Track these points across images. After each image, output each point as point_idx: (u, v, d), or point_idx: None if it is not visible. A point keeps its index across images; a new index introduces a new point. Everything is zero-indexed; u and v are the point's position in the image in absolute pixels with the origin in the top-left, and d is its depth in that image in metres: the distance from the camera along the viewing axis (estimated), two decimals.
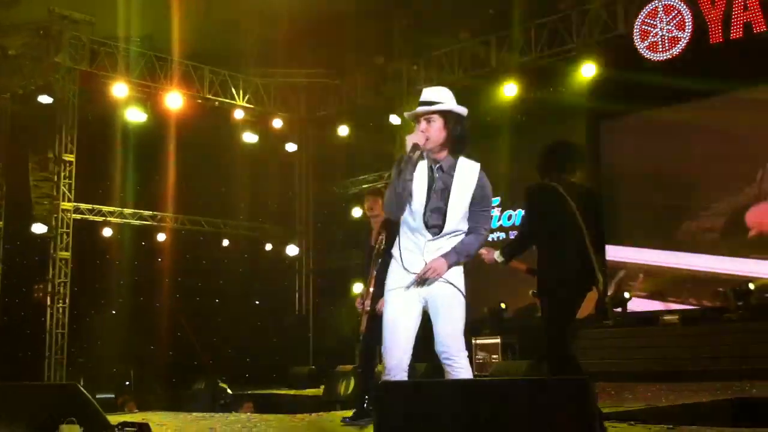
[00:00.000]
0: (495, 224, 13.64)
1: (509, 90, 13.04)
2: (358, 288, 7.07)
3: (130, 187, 14.40)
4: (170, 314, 14.03)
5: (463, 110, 4.15)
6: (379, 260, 6.45)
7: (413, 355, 4.12)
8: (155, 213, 14.78)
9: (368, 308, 6.71)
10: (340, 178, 16.30)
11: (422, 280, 4.05)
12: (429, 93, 4.16)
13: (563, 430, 2.92)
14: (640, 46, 11.37)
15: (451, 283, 4.08)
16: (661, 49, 11.21)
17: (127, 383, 13.16)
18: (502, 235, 13.72)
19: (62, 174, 13.22)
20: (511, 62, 13.04)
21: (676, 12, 11.07)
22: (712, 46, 10.79)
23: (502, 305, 12.56)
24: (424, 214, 4.08)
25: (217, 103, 14.68)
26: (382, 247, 6.43)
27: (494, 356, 11.69)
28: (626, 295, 11.81)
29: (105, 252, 14.46)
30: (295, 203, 16.96)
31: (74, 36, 13.01)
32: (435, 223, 4.08)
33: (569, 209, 5.08)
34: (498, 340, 11.85)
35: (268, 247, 16.25)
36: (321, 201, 16.93)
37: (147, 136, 13.67)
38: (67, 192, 13.28)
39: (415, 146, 4.02)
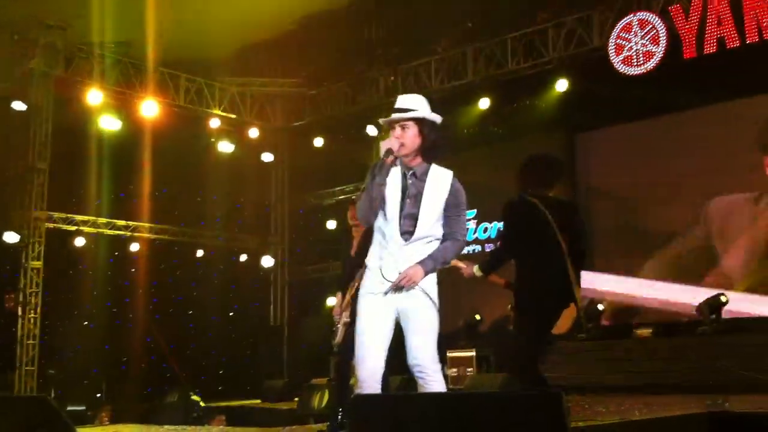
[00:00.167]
0: (470, 237, 13.65)
1: (483, 103, 13.14)
2: (333, 300, 7.02)
3: (105, 196, 14.23)
4: (143, 325, 13.90)
5: (437, 118, 4.19)
6: (359, 271, 6.41)
7: (387, 367, 4.10)
8: (129, 223, 14.63)
9: (346, 319, 6.67)
10: (317, 188, 16.27)
11: (397, 288, 4.03)
12: (404, 100, 4.22)
13: None
14: (615, 60, 11.47)
15: (426, 293, 4.07)
16: (635, 63, 11.31)
17: (99, 395, 13.02)
18: (478, 248, 13.74)
19: (35, 182, 13.07)
20: (488, 74, 13.11)
21: (650, 26, 11.18)
22: (686, 61, 10.91)
23: (477, 316, 12.56)
24: (399, 220, 4.09)
25: (193, 111, 14.60)
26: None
27: (469, 369, 11.67)
28: (600, 307, 11.86)
29: (78, 262, 14.29)
30: (271, 214, 16.90)
31: (49, 41, 12.89)
32: (409, 229, 4.09)
33: (546, 224, 5.07)
34: (473, 353, 11.82)
35: (243, 257, 16.16)
36: (297, 212, 16.88)
37: (122, 145, 13.53)
38: (39, 200, 13.13)
39: (389, 151, 4.06)
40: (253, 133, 15.40)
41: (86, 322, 14.01)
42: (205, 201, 15.58)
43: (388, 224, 4.11)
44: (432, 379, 4.00)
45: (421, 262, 4.04)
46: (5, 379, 12.48)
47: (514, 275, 5.22)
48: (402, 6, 13.53)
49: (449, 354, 11.80)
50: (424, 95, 4.37)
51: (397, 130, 4.13)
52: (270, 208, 16.90)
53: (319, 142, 15.20)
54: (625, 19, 11.42)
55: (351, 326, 6.43)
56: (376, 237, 4.18)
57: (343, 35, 14.13)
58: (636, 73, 11.32)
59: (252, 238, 16.54)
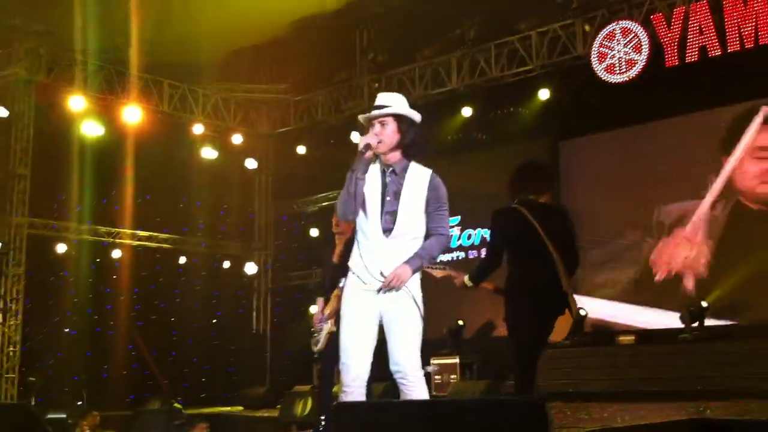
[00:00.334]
0: (455, 243, 13.66)
1: (466, 111, 13.18)
2: (315, 308, 7.00)
3: (86, 203, 14.13)
4: (125, 333, 13.81)
5: (416, 115, 4.23)
6: (342, 278, 6.40)
7: (371, 374, 4.08)
8: (111, 229, 14.54)
9: (329, 326, 6.66)
10: (301, 195, 16.24)
11: (385, 289, 4.02)
12: (383, 98, 4.27)
13: None
14: (598, 68, 11.52)
15: (413, 299, 4.05)
16: (618, 71, 11.37)
17: (80, 403, 12.90)
18: (462, 254, 13.75)
19: (16, 188, 12.97)
20: (472, 82, 13.16)
21: (633, 35, 11.25)
22: (668, 69, 10.98)
23: (460, 322, 12.56)
24: (380, 218, 4.09)
25: (177, 117, 14.55)
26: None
27: (452, 376, 11.67)
28: (582, 312, 11.88)
29: (59, 268, 14.18)
30: (255, 221, 16.85)
31: (31, 47, 12.82)
32: (389, 226, 4.09)
33: (532, 230, 5.06)
34: (456, 360, 11.83)
35: (227, 264, 16.09)
36: (281, 219, 16.85)
37: (104, 151, 13.43)
38: (21, 206, 13.03)
39: (368, 146, 4.07)
40: (237, 139, 15.34)
41: (67, 329, 13.90)
42: (188, 207, 15.49)
43: (368, 222, 4.11)
44: (414, 385, 3.99)
45: (408, 261, 4.04)
46: None
47: (504, 282, 5.21)
48: (387, 14, 13.55)
49: (433, 360, 11.80)
50: (408, 102, 4.38)
51: (376, 126, 4.16)
52: (254, 214, 16.84)
53: (302, 149, 15.17)
54: (608, 27, 11.49)
55: (336, 334, 6.43)
56: (359, 236, 4.18)
57: (328, 42, 14.13)
58: (619, 81, 11.37)
59: (235, 244, 16.48)
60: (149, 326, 14.41)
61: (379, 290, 4.03)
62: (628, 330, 11.71)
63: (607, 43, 11.45)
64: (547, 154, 12.88)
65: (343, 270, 6.28)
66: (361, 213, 4.12)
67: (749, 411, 7.30)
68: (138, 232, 14.88)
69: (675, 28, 10.91)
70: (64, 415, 11.50)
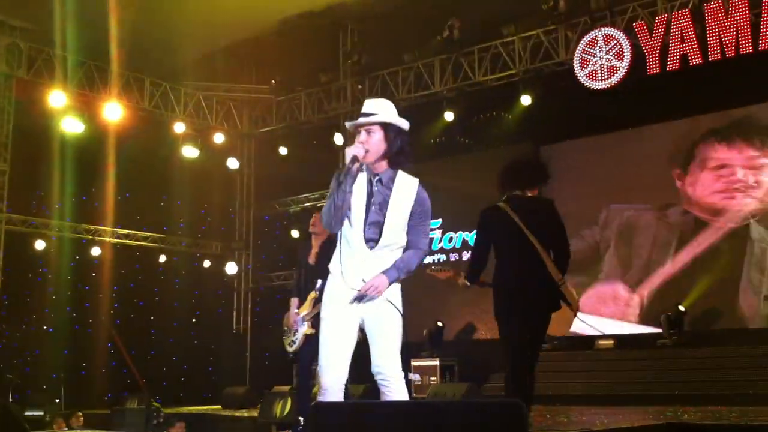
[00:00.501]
0: (436, 246, 13.70)
1: (448, 115, 13.21)
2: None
3: (66, 199, 14.04)
4: (104, 331, 13.72)
5: (404, 123, 4.12)
6: (318, 279, 6.39)
7: (350, 375, 4.08)
8: (91, 226, 14.44)
9: (305, 328, 6.66)
10: (282, 195, 16.21)
11: (362, 297, 4.00)
12: (370, 104, 4.12)
13: None
14: (580, 74, 11.59)
15: (390, 302, 4.04)
16: (600, 78, 11.44)
17: (58, 400, 12.80)
18: (443, 257, 13.78)
19: None
20: (454, 85, 13.20)
21: (615, 42, 11.32)
22: (650, 77, 11.05)
23: (440, 323, 12.59)
24: (364, 227, 4.03)
25: (158, 115, 14.48)
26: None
27: (432, 378, 11.69)
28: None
29: (38, 265, 14.07)
30: (236, 220, 16.80)
31: (12, 42, 12.72)
32: (373, 236, 4.03)
33: (513, 225, 5.08)
34: (437, 362, 11.85)
35: (207, 264, 16.03)
36: (262, 219, 16.81)
37: (84, 147, 13.31)
38: None
39: (354, 158, 3.97)
40: (219, 138, 15.28)
41: (46, 327, 13.80)
42: (168, 206, 15.41)
43: (352, 231, 4.05)
44: (394, 387, 3.98)
45: (385, 272, 4.00)
46: None
47: (492, 278, 5.25)
48: (371, 16, 13.56)
49: (413, 363, 11.82)
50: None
51: (363, 134, 4.05)
52: (235, 214, 16.80)
53: (284, 150, 15.12)
54: (591, 33, 11.55)
55: (314, 335, 6.42)
56: (341, 244, 4.11)
57: (312, 43, 14.12)
58: (600, 87, 11.45)
59: (216, 244, 16.43)
60: (128, 325, 14.32)
61: (355, 298, 4.01)
62: (607, 335, 11.77)
63: (589, 50, 11.52)
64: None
65: (320, 272, 6.29)
66: (345, 221, 4.05)
67: (726, 415, 7.38)
68: (118, 230, 14.80)
69: (657, 36, 10.99)
70: (41, 413, 11.43)
